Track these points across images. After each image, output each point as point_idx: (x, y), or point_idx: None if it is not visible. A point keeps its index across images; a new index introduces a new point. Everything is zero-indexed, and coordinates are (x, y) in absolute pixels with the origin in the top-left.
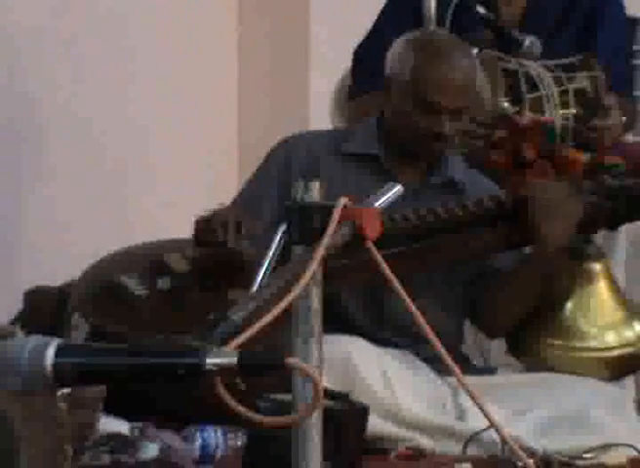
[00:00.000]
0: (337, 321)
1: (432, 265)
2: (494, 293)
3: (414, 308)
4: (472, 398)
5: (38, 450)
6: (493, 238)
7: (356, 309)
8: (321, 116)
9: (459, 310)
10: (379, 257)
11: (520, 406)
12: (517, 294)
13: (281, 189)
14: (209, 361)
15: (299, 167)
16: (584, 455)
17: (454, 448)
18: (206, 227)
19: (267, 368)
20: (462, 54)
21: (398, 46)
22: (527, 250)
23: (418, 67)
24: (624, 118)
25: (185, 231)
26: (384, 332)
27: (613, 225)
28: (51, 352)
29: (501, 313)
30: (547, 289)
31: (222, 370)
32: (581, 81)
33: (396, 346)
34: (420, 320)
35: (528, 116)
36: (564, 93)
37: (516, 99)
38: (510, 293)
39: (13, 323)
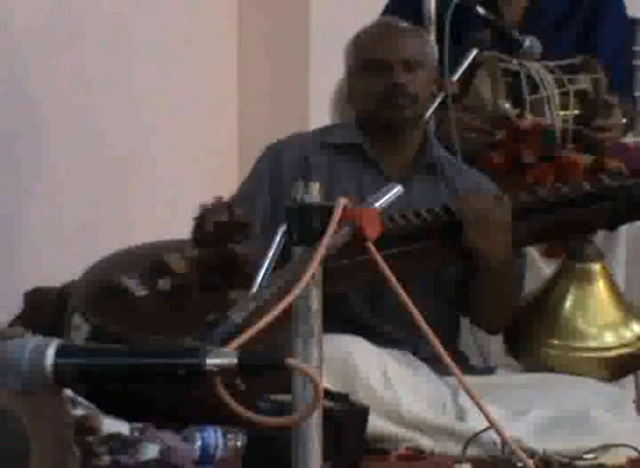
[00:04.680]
0: (338, 313)
1: (425, 268)
2: (472, 294)
3: (413, 309)
4: (472, 398)
5: (46, 451)
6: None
7: (356, 298)
8: (321, 116)
9: (451, 298)
10: (379, 257)
11: (520, 406)
12: (488, 295)
13: (273, 192)
14: (209, 361)
15: (290, 162)
16: (584, 456)
17: (454, 448)
18: (201, 225)
19: (267, 368)
20: (405, 23)
21: None
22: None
23: (358, 35)
24: (625, 119)
25: (185, 231)
26: (385, 326)
27: (613, 225)
28: (51, 352)
29: (487, 311)
30: (515, 280)
31: (222, 370)
32: (582, 82)
33: (395, 341)
34: (420, 320)
35: (528, 119)
36: (565, 94)
37: (517, 101)
38: (482, 294)
39: (12, 323)
